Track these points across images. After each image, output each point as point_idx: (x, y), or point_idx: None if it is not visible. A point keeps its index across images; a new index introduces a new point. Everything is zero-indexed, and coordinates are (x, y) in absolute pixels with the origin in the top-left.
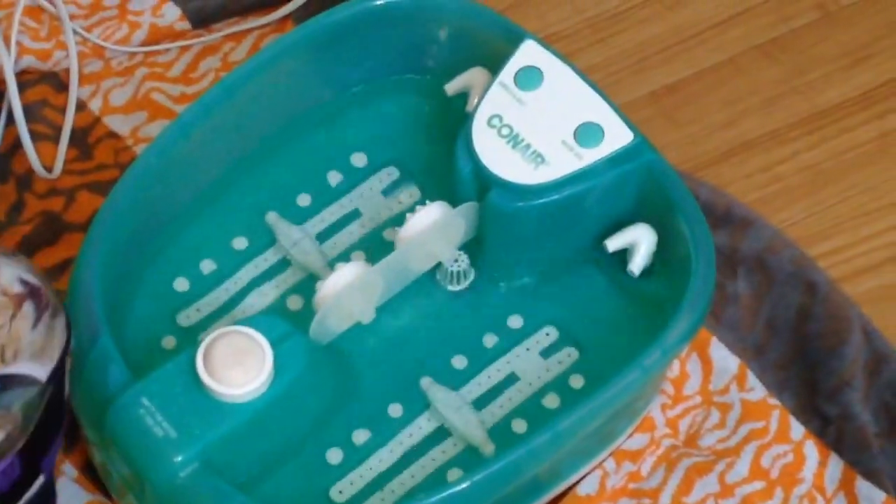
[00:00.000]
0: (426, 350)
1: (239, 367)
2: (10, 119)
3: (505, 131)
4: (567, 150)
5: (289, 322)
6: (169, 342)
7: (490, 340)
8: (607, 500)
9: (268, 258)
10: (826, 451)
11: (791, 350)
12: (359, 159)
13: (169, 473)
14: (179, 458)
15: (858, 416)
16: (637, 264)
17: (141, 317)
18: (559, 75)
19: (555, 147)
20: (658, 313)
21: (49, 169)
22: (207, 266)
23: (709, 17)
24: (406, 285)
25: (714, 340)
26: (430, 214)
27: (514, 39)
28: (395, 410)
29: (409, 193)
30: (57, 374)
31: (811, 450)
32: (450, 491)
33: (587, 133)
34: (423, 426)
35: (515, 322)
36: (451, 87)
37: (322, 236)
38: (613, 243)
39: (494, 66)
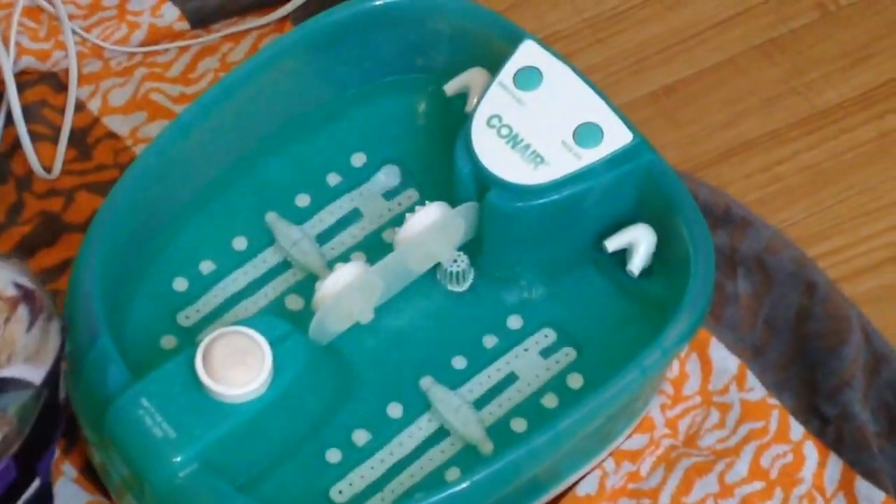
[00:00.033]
0: (426, 350)
1: (238, 368)
2: (10, 119)
3: (504, 131)
4: (566, 151)
5: (288, 322)
6: (168, 342)
7: (490, 341)
8: (607, 500)
9: (267, 258)
10: (825, 451)
11: (791, 350)
12: (358, 159)
13: (168, 474)
14: (179, 459)
15: (858, 415)
16: (636, 264)
17: (140, 317)
18: (558, 75)
19: (554, 147)
20: (657, 313)
21: (48, 169)
22: (207, 266)
23: (708, 18)
24: (405, 286)
25: (713, 340)
26: (430, 215)
27: (513, 39)
28: (395, 411)
29: (408, 194)
30: (52, 378)
31: (811, 450)
32: (450, 491)
33: (586, 133)
34: (423, 427)
35: (515, 322)
36: (451, 88)
37: (322, 237)
38: (613, 243)
39: (494, 66)
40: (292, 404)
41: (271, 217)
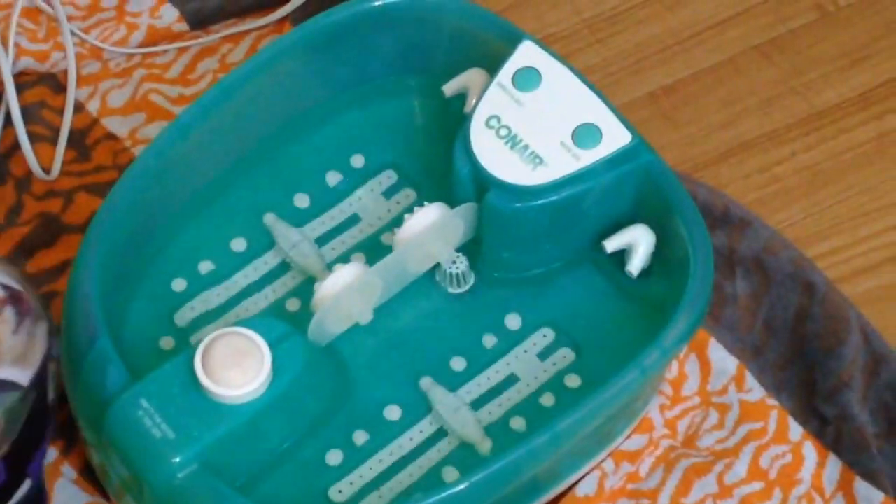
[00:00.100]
0: (425, 351)
1: (237, 369)
2: (8, 120)
3: (503, 132)
4: (565, 151)
5: (287, 323)
6: (167, 343)
7: (489, 341)
8: (606, 500)
9: (267, 260)
10: (824, 452)
11: (789, 351)
12: (357, 160)
13: (167, 475)
14: (178, 460)
15: (857, 416)
16: (635, 265)
17: (139, 318)
18: (557, 76)
19: (553, 148)
20: (656, 314)
21: (47, 170)
22: (206, 267)
23: (707, 18)
24: (405, 286)
25: (712, 341)
26: (429, 215)
27: (512, 40)
28: (394, 412)
29: (407, 195)
30: (39, 380)
31: (810, 450)
32: (448, 492)
33: (585, 134)
34: (424, 430)
35: (514, 323)
36: (450, 88)
37: (321, 239)
38: (612, 244)
39: (493, 66)
40: (291, 405)
41: (270, 218)
